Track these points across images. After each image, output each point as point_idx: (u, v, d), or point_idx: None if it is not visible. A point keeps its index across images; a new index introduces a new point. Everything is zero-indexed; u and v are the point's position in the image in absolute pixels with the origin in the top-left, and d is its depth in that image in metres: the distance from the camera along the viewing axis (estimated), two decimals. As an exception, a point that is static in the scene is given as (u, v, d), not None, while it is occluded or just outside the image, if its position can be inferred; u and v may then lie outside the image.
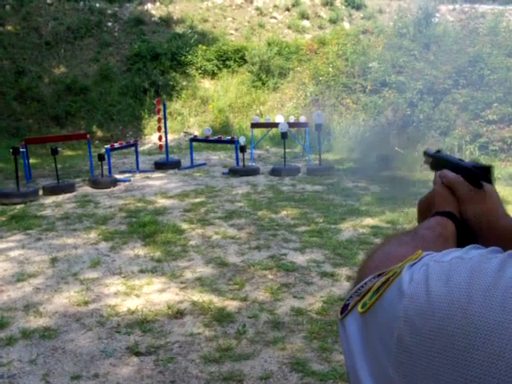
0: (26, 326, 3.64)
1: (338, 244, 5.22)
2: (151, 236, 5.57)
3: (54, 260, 4.96)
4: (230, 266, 4.72)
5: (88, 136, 9.22)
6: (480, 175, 0.79)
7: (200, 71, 14.90)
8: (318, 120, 8.93)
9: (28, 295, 4.19)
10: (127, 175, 9.15)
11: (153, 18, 16.38)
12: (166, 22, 16.28)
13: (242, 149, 8.88)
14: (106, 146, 9.16)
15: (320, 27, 16.46)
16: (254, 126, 10.46)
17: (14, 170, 7.51)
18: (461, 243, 0.71)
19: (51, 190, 7.73)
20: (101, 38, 15.30)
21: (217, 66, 14.88)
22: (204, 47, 14.99)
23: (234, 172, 9.00)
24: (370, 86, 12.67)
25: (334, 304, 3.89)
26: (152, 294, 4.16)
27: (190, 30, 15.63)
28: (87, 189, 8.13)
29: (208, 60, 14.89)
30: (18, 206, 7.06)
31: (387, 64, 12.76)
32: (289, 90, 14.24)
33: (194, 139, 10.62)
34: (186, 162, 10.09)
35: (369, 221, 6.03)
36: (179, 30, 15.97)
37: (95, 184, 8.19)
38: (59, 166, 8.45)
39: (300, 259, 4.85)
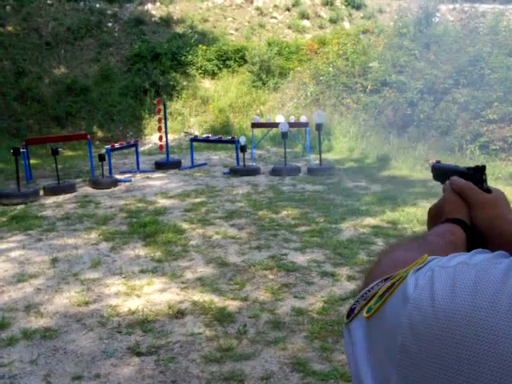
0: (27, 327, 3.65)
1: (339, 244, 5.22)
2: (152, 236, 5.57)
3: (54, 260, 4.96)
4: (230, 266, 4.72)
5: (88, 136, 9.22)
6: (473, 176, 0.80)
7: (200, 71, 14.90)
8: (318, 120, 8.92)
9: (29, 296, 4.19)
10: (128, 175, 9.16)
11: (153, 18, 16.39)
12: (166, 22, 16.28)
13: (243, 149, 8.88)
14: (106, 147, 9.17)
15: (320, 27, 16.46)
16: (255, 125, 10.46)
17: (15, 170, 7.51)
18: (471, 250, 0.70)
19: (52, 191, 7.73)
20: (101, 39, 15.30)
21: (217, 65, 14.88)
22: (204, 47, 14.99)
23: (234, 172, 9.00)
24: (370, 85, 12.66)
25: (335, 304, 3.89)
26: (153, 294, 4.16)
27: (190, 30, 15.63)
28: (88, 189, 8.13)
29: (208, 60, 14.89)
30: (19, 207, 7.07)
31: (387, 64, 12.75)
32: (289, 89, 14.24)
33: (195, 139, 10.62)
34: (186, 162, 10.09)
35: (369, 220, 6.03)
36: (179, 30, 15.98)
37: (96, 184, 8.19)
38: (60, 166, 8.46)
39: (300, 259, 4.85)
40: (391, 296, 0.54)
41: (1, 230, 6.02)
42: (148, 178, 9.01)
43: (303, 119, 10.11)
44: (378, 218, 6.13)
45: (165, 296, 4.12)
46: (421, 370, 0.48)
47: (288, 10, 16.90)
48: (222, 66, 14.92)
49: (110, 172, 8.84)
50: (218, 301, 3.99)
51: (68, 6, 15.90)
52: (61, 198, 7.54)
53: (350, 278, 4.36)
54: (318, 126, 8.90)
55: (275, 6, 16.92)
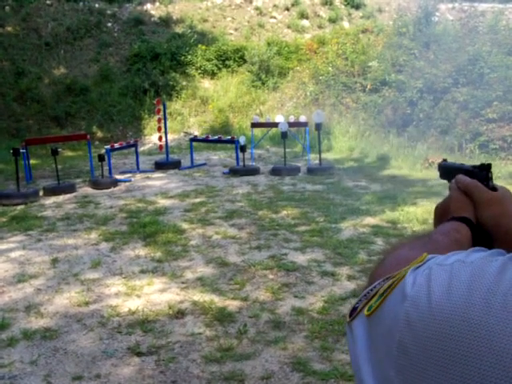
0: (27, 327, 3.65)
1: (339, 243, 5.22)
2: (152, 236, 5.57)
3: (54, 261, 4.96)
4: (230, 266, 4.72)
5: (88, 136, 9.22)
6: (479, 174, 0.80)
7: (200, 71, 14.90)
8: (317, 119, 8.92)
9: (29, 296, 4.19)
10: (128, 175, 9.16)
11: (152, 18, 16.38)
12: (166, 22, 16.28)
13: (242, 148, 8.88)
14: (106, 147, 9.17)
15: (319, 27, 16.46)
16: (254, 125, 10.45)
17: (15, 170, 7.51)
18: None
19: (52, 191, 7.73)
20: (100, 39, 15.30)
21: (216, 65, 14.88)
22: (204, 47, 14.99)
23: (234, 172, 9.00)
24: (369, 85, 12.66)
25: (335, 303, 3.89)
26: (153, 294, 4.16)
27: (189, 30, 15.62)
28: (87, 189, 8.13)
29: (208, 60, 14.89)
30: (19, 207, 7.07)
31: (387, 63, 12.75)
32: (289, 89, 14.24)
33: (194, 139, 10.62)
34: (186, 162, 10.09)
35: (369, 220, 6.03)
36: (179, 29, 15.97)
37: (95, 184, 8.19)
38: (59, 166, 8.45)
39: (301, 259, 4.85)
40: (390, 294, 0.55)
41: (1, 231, 6.02)
42: (148, 178, 9.01)
43: (303, 119, 10.11)
44: (378, 217, 6.13)
45: (165, 296, 4.12)
46: (418, 367, 0.49)
47: (287, 9, 16.90)
48: (221, 66, 14.92)
49: (110, 172, 8.84)
50: (218, 301, 3.99)
51: (67, 6, 15.89)
52: (61, 198, 7.54)
53: (350, 278, 4.37)
54: (318, 126, 8.90)
55: (274, 6, 16.92)
